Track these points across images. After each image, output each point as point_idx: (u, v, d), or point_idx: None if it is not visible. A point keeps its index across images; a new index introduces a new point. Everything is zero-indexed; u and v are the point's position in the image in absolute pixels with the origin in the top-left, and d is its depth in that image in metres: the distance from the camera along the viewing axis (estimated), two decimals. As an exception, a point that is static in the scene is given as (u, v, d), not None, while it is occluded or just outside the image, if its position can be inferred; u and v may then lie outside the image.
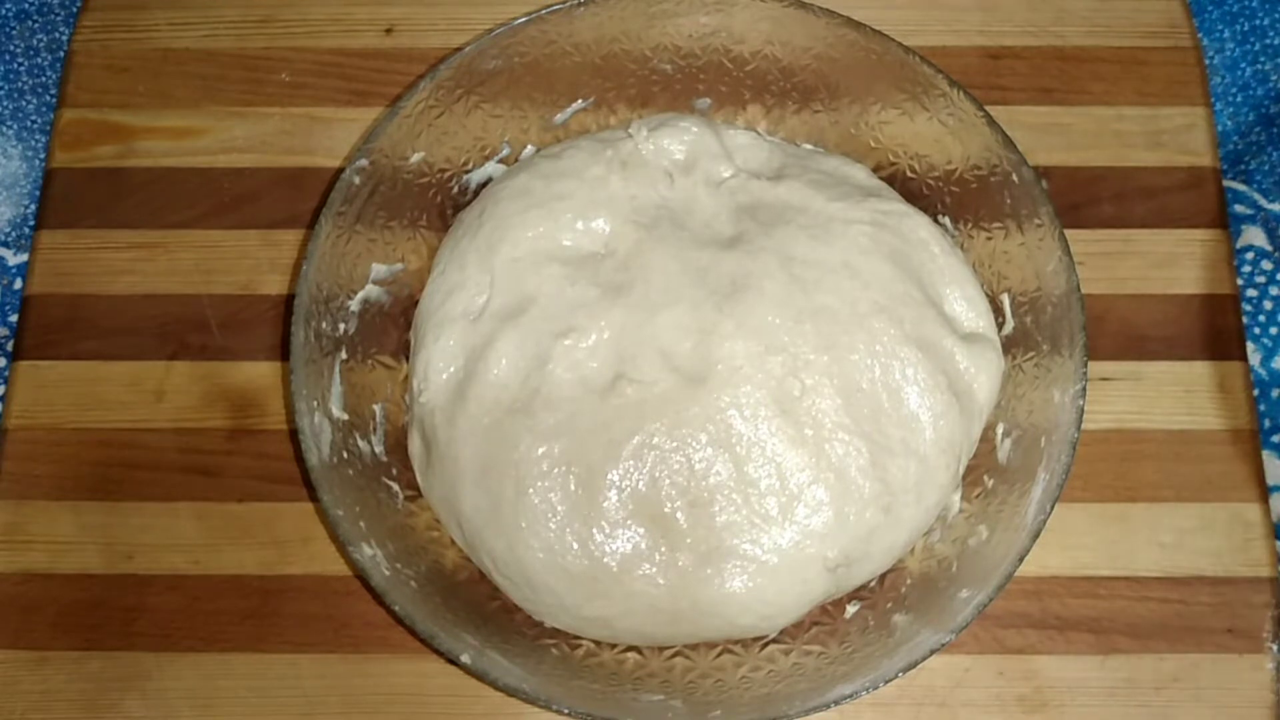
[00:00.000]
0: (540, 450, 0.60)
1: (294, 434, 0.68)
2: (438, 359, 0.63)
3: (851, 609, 0.63)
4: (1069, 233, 0.63)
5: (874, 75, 0.66)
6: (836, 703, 0.56)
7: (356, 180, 0.62)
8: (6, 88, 0.82)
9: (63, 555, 0.67)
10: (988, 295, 0.66)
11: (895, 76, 0.65)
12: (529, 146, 0.70)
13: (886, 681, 0.56)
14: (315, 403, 0.60)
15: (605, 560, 0.59)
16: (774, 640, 0.62)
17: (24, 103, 0.82)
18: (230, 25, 0.78)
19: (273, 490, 0.68)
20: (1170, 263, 0.73)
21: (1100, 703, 0.65)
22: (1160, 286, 0.72)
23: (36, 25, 0.83)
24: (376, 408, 0.65)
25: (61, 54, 0.81)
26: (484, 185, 0.69)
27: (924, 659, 0.56)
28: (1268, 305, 0.76)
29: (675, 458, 0.60)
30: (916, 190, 0.69)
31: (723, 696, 0.60)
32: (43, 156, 0.79)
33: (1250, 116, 0.82)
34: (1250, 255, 0.78)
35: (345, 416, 0.62)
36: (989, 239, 0.66)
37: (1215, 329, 0.71)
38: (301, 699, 0.65)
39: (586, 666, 0.62)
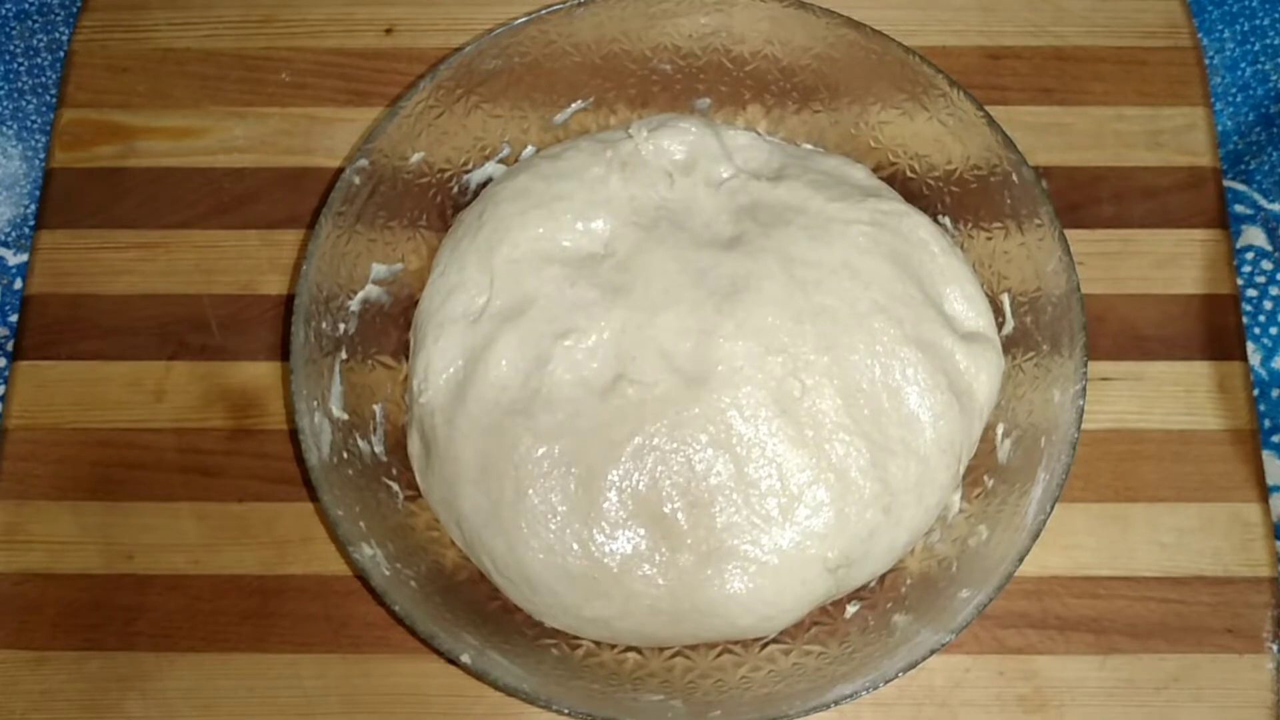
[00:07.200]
0: (540, 451, 0.60)
1: (294, 434, 0.68)
2: (438, 359, 0.63)
3: (851, 609, 0.63)
4: (1069, 233, 0.63)
5: (874, 75, 0.66)
6: (836, 703, 0.56)
7: (356, 180, 0.62)
8: (6, 88, 0.82)
9: (63, 555, 0.67)
10: (988, 295, 0.66)
11: (895, 76, 0.65)
12: (529, 146, 0.70)
13: (886, 681, 0.56)
14: (315, 403, 0.60)
15: (605, 561, 0.59)
16: (774, 640, 0.62)
17: (24, 103, 0.82)
18: (230, 25, 0.78)
19: (273, 490, 0.68)
20: (1170, 263, 0.73)
21: (1100, 703, 0.65)
22: (1160, 286, 0.72)
23: (36, 25, 0.83)
24: (376, 408, 0.65)
25: (61, 54, 0.81)
26: (484, 185, 0.69)
27: (924, 659, 0.56)
28: (1268, 305, 0.76)
29: (675, 458, 0.60)
30: (916, 190, 0.69)
31: (723, 696, 0.60)
32: (43, 156, 0.79)
33: (1250, 116, 0.82)
34: (1250, 255, 0.78)
35: (345, 416, 0.62)
36: (989, 239, 0.66)
37: (1215, 329, 0.71)
38: (301, 699, 0.65)
39: (586, 666, 0.62)
